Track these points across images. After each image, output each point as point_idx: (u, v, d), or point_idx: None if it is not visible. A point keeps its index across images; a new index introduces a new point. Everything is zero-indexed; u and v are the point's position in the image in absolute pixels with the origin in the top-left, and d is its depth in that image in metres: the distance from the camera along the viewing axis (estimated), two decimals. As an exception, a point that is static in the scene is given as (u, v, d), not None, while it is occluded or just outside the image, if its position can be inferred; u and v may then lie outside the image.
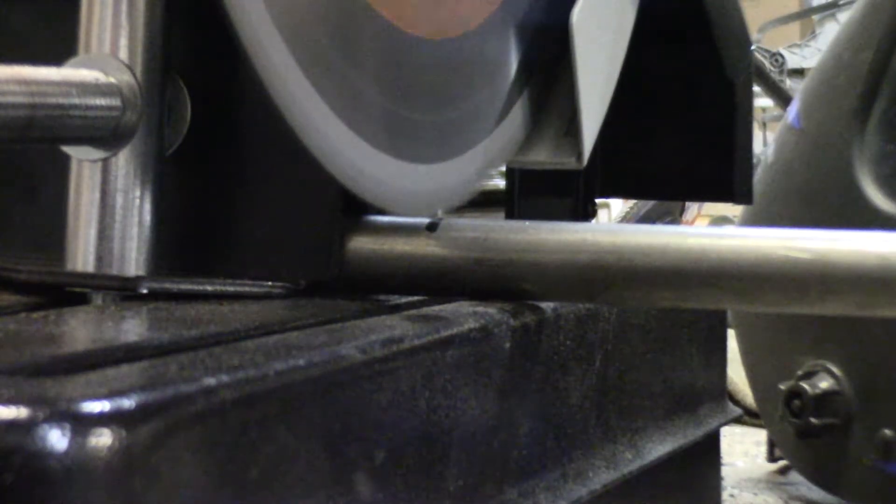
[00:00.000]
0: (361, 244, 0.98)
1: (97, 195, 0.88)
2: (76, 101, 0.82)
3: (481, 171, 1.13)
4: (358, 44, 0.96)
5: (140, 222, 0.89)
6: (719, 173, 1.36)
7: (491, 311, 0.94)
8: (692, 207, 3.22)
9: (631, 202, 2.95)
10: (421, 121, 1.04)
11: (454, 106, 1.09)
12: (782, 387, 1.87)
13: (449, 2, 1.08)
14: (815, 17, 4.63)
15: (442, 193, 1.04)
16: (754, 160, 1.44)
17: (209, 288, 0.91)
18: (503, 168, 1.27)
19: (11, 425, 0.56)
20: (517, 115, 1.18)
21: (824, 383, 1.83)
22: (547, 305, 1.00)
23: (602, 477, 1.06)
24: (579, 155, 1.18)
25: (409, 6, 1.02)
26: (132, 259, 0.89)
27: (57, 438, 0.56)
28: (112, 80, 0.86)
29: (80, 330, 0.79)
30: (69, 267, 0.89)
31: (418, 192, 1.01)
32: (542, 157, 1.22)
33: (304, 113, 0.89)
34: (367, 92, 0.96)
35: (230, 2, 0.82)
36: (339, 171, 0.92)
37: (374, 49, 0.97)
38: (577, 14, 1.15)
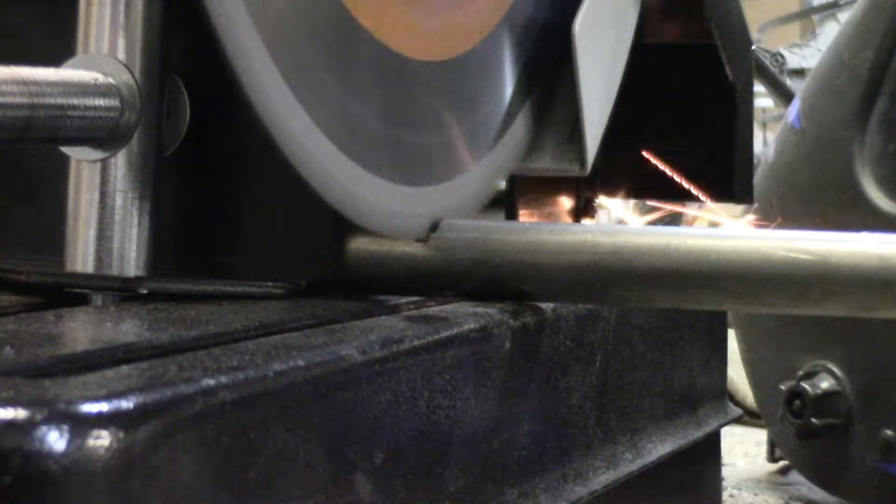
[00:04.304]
0: (361, 244, 0.98)
1: (96, 196, 0.88)
2: (75, 101, 0.82)
3: (484, 187, 1.13)
4: (356, 70, 0.95)
5: (139, 223, 0.89)
6: (719, 173, 1.36)
7: (491, 311, 0.94)
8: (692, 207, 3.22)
9: (631, 202, 2.94)
10: (422, 144, 1.03)
11: (455, 126, 1.08)
12: (783, 387, 1.87)
13: (446, 25, 1.08)
14: (816, 17, 4.63)
15: (445, 214, 1.03)
16: (754, 160, 1.44)
17: (209, 288, 0.91)
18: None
19: (10, 426, 0.55)
20: (520, 126, 1.18)
21: (825, 383, 1.83)
22: (547, 305, 1.00)
23: (602, 477, 1.06)
24: (583, 162, 1.18)
25: (407, 31, 1.01)
26: (132, 259, 0.89)
27: (56, 439, 0.55)
28: (111, 80, 0.86)
29: (79, 331, 0.78)
30: (69, 268, 0.89)
31: (419, 215, 1.00)
32: (546, 163, 1.22)
33: (300, 143, 0.88)
34: (365, 119, 0.96)
35: (218, 21, 0.81)
36: (336, 198, 0.91)
37: (373, 75, 0.97)
38: (579, 23, 1.15)
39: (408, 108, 1.02)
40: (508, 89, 1.16)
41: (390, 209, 0.97)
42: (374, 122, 0.97)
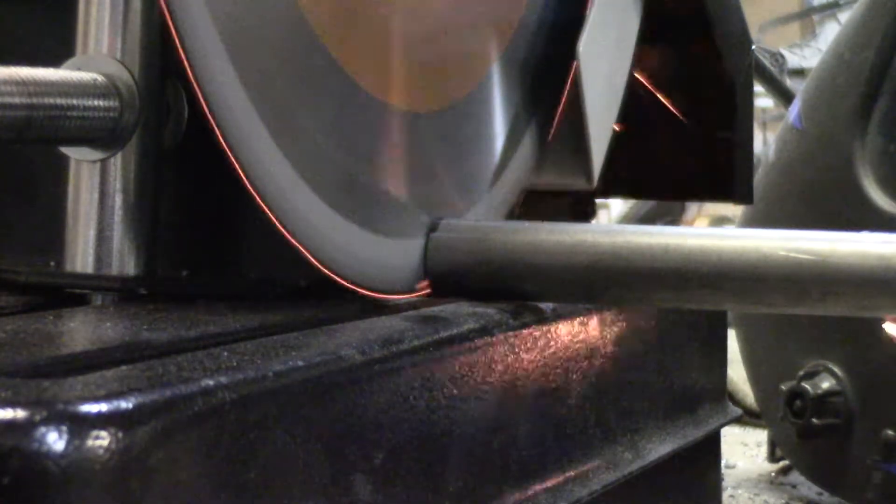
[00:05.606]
0: (361, 245, 0.97)
1: (96, 196, 0.88)
2: (74, 101, 0.82)
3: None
4: (349, 129, 0.95)
5: (139, 223, 0.89)
6: (719, 173, 1.36)
7: (491, 311, 0.94)
8: (692, 207, 3.23)
9: (631, 202, 2.95)
10: (413, 195, 1.02)
11: (448, 175, 1.07)
12: (784, 387, 1.87)
13: (440, 75, 1.07)
14: (816, 17, 4.64)
15: None
16: (754, 160, 1.44)
17: (208, 288, 0.91)
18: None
19: (9, 426, 0.55)
20: (519, 161, 1.17)
21: (826, 383, 1.83)
22: (547, 306, 1.00)
23: (602, 478, 1.06)
24: (589, 175, 1.18)
25: (399, 83, 1.00)
26: (131, 260, 0.89)
27: (55, 440, 0.55)
28: (110, 81, 0.86)
29: (78, 331, 0.78)
30: (69, 268, 0.89)
31: (406, 268, 0.99)
32: (552, 178, 1.22)
33: (284, 198, 0.87)
34: (355, 173, 0.95)
35: (201, 73, 0.81)
36: (325, 255, 0.90)
37: (362, 127, 0.96)
38: (583, 43, 1.14)
39: (398, 158, 1.01)
40: (506, 129, 1.16)
41: (379, 263, 0.96)
42: (363, 174, 0.96)
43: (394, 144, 1.00)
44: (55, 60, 0.86)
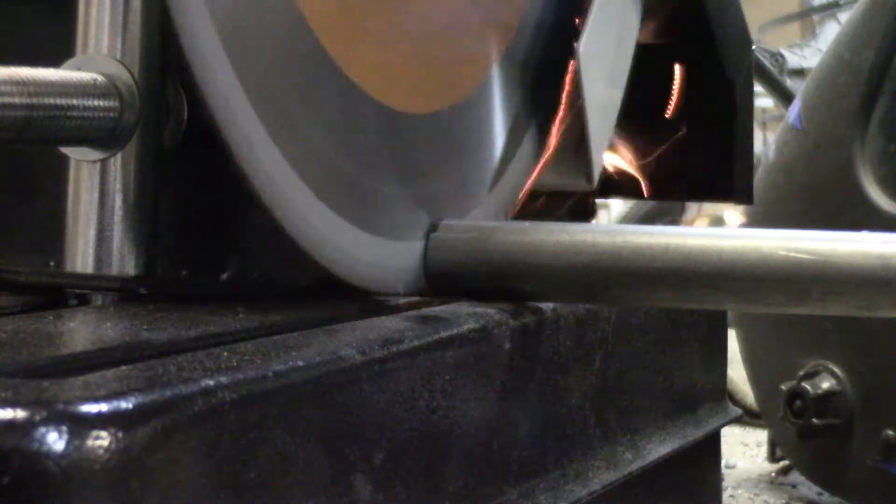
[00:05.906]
0: (361, 245, 0.97)
1: (96, 196, 0.88)
2: (74, 101, 0.82)
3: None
4: (350, 131, 0.95)
5: (139, 223, 0.89)
6: (719, 173, 1.36)
7: (491, 311, 0.94)
8: (692, 207, 3.22)
9: (631, 202, 2.95)
10: (414, 196, 1.02)
11: (447, 177, 1.07)
12: (784, 387, 1.87)
13: (441, 75, 1.06)
14: (816, 17, 4.64)
15: None
16: (754, 160, 1.44)
17: (209, 288, 0.91)
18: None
19: (9, 426, 0.55)
20: (525, 153, 1.17)
21: (826, 383, 1.83)
22: (547, 306, 1.00)
23: (602, 477, 1.06)
24: (589, 176, 1.18)
25: (400, 85, 1.00)
26: (131, 260, 0.89)
27: (55, 440, 0.55)
28: (110, 81, 0.86)
29: (78, 331, 0.78)
30: (69, 268, 0.89)
31: (404, 269, 0.99)
32: (552, 178, 1.22)
33: (283, 195, 0.87)
34: (354, 173, 0.95)
35: (202, 76, 0.81)
36: (322, 253, 0.90)
37: (366, 133, 0.96)
38: (584, 43, 1.14)
39: (399, 161, 1.01)
40: (506, 130, 1.15)
41: (380, 264, 0.96)
42: (364, 176, 0.96)
43: (394, 146, 1.00)
44: (55, 60, 0.86)
